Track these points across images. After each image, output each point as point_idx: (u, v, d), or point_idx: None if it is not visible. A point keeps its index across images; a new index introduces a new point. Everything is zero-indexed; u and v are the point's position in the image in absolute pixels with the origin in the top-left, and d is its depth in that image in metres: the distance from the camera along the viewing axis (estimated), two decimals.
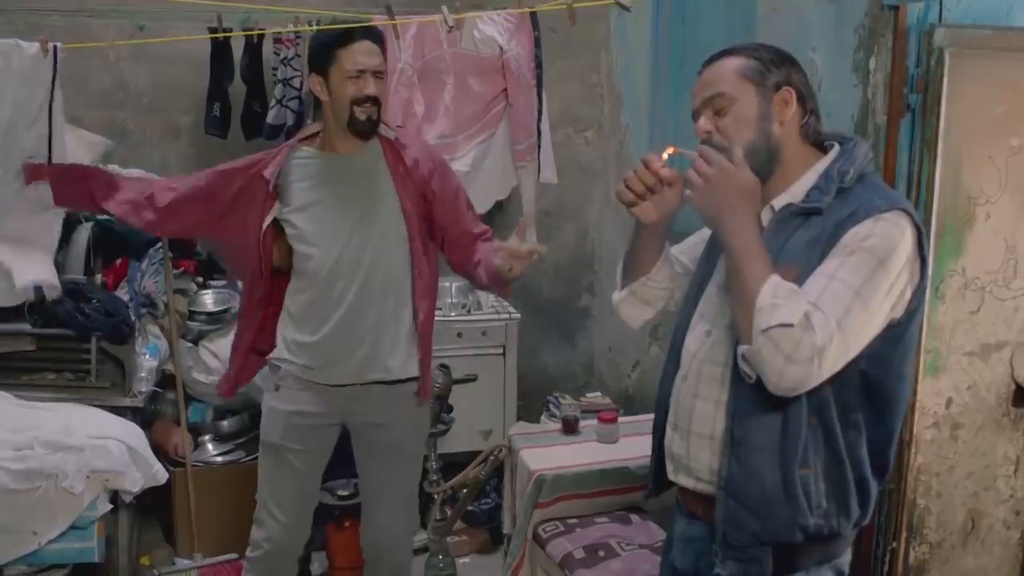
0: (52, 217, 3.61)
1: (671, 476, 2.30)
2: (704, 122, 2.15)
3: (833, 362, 1.94)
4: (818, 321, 1.90)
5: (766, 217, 2.14)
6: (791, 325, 1.89)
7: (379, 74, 3.12)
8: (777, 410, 2.03)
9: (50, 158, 3.51)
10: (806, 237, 2.04)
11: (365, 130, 3.14)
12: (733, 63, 2.13)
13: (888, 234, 1.98)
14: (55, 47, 3.44)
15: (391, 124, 3.36)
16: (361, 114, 3.10)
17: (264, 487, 3.38)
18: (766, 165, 2.11)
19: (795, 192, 2.11)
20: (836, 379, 2.01)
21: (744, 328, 1.98)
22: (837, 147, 2.16)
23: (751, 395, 2.05)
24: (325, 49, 3.11)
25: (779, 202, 2.12)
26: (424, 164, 3.25)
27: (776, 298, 1.93)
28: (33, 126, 3.46)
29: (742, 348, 1.99)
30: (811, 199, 2.08)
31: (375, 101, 3.11)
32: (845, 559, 2.19)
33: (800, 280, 1.99)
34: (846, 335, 1.94)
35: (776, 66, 2.12)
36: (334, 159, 3.21)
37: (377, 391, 3.27)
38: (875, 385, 2.06)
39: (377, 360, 3.24)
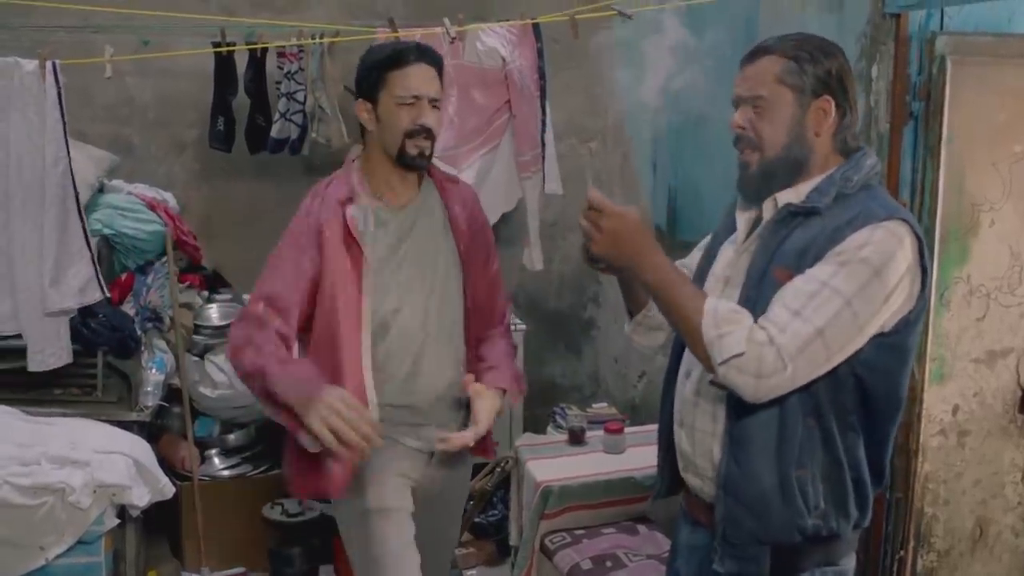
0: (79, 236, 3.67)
1: (682, 472, 2.31)
2: (740, 116, 2.16)
3: (811, 368, 1.98)
4: (793, 328, 1.94)
5: (769, 210, 2.15)
6: (742, 354, 1.95)
7: (436, 103, 2.76)
8: (773, 411, 2.05)
9: (76, 191, 3.57)
10: (802, 239, 2.05)
11: (417, 166, 2.78)
12: (773, 65, 2.11)
13: (885, 243, 1.98)
14: (54, 64, 3.45)
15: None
16: (413, 148, 2.73)
17: (382, 564, 2.77)
18: (792, 170, 2.12)
19: (801, 190, 2.12)
20: (830, 382, 2.03)
21: (701, 359, 2.04)
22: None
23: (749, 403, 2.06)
24: (374, 71, 2.74)
25: (783, 197, 2.13)
26: (472, 205, 2.95)
27: (719, 328, 1.98)
28: (57, 163, 3.50)
29: (710, 376, 2.05)
30: (810, 199, 2.08)
31: (430, 133, 2.75)
32: (848, 564, 2.19)
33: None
34: (829, 343, 1.96)
35: (816, 66, 2.10)
36: (395, 214, 2.79)
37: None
38: (870, 390, 2.07)
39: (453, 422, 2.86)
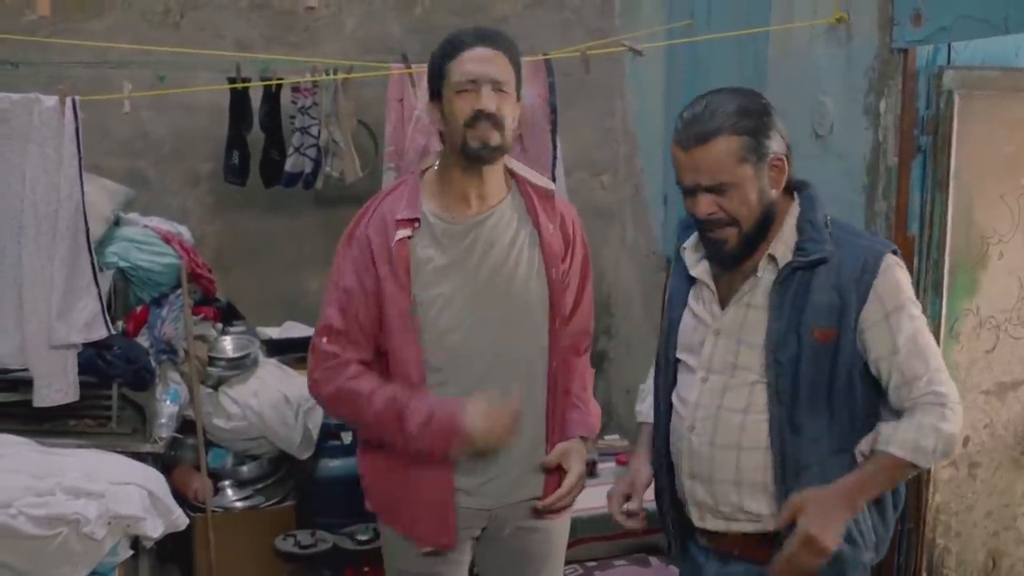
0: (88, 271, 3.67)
1: (697, 522, 2.33)
2: (706, 204, 2.17)
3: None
4: (933, 377, 2.14)
5: (767, 269, 2.21)
6: (952, 434, 2.16)
7: (499, 86, 2.45)
8: (832, 466, 2.16)
9: (87, 226, 3.57)
10: (827, 297, 2.13)
11: (482, 159, 2.48)
12: (728, 147, 2.12)
13: (906, 277, 2.18)
14: (73, 100, 3.49)
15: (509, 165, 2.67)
16: (473, 139, 2.44)
17: None
18: (767, 227, 2.19)
19: (786, 238, 2.19)
20: (865, 406, 2.20)
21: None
22: (796, 195, 2.26)
23: (802, 449, 2.16)
24: (435, 66, 2.52)
25: (780, 255, 2.19)
26: (569, 224, 2.68)
27: (917, 444, 2.11)
28: (71, 197, 3.53)
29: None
30: (812, 251, 2.16)
31: (492, 119, 2.43)
32: None
33: (842, 338, 2.12)
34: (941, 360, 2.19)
35: (766, 130, 2.15)
36: (462, 229, 2.55)
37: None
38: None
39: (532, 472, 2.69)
